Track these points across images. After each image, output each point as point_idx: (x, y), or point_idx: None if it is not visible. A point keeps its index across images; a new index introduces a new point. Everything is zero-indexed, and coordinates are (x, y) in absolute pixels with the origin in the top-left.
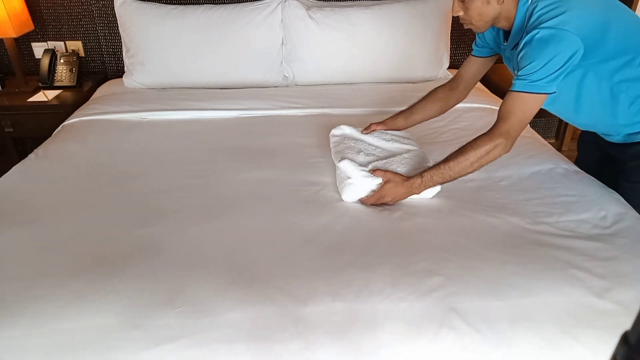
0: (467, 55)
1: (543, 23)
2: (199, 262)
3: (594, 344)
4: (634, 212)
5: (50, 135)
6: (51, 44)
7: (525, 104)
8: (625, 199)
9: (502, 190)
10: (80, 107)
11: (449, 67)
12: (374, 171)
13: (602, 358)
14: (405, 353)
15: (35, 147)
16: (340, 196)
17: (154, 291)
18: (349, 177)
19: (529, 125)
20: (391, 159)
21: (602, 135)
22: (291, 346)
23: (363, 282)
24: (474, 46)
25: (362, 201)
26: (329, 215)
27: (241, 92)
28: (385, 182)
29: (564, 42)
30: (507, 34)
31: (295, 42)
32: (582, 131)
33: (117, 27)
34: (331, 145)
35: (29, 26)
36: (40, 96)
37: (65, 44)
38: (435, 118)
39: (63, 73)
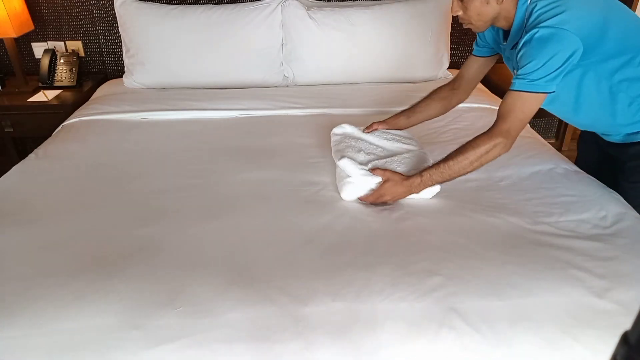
0: (467, 55)
1: (542, 22)
2: (199, 262)
3: (594, 344)
4: (634, 212)
5: (50, 135)
6: (51, 44)
7: (525, 103)
8: (625, 199)
9: (502, 190)
10: (80, 107)
11: (449, 67)
12: (373, 170)
13: (602, 358)
14: (405, 353)
15: (35, 147)
16: (340, 195)
17: (154, 291)
18: (349, 176)
19: (528, 125)
20: (391, 158)
21: (601, 136)
22: (291, 346)
23: (363, 282)
24: (474, 46)
25: (361, 199)
26: (329, 215)
27: (241, 92)
28: (384, 181)
29: (563, 42)
30: (506, 33)
31: (295, 42)
32: (582, 131)
33: (117, 27)
34: (332, 144)
35: (29, 26)
36: (40, 96)
37: (65, 44)
38: (435, 118)
39: (63, 73)
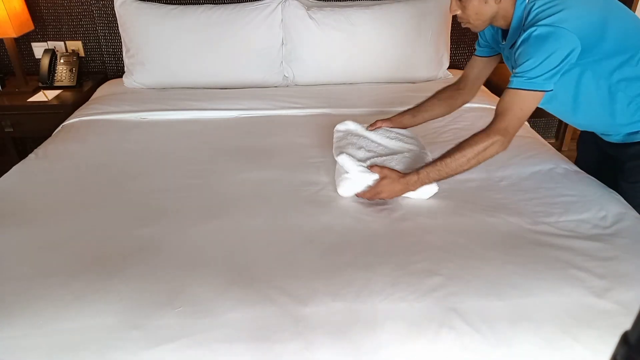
0: (468, 55)
1: (540, 21)
2: (199, 262)
3: (594, 344)
4: (634, 212)
5: (50, 135)
6: (51, 44)
7: (523, 101)
8: (624, 199)
9: (502, 190)
10: (80, 107)
11: (449, 67)
12: (371, 167)
13: (602, 358)
14: (405, 353)
15: (35, 147)
16: (337, 190)
17: (154, 291)
18: (347, 172)
19: (528, 125)
20: (391, 156)
21: (600, 136)
22: (291, 346)
23: (363, 282)
24: (476, 46)
25: (358, 195)
26: (329, 215)
27: (241, 92)
28: (381, 178)
29: (561, 40)
30: (505, 32)
31: (295, 42)
32: (582, 131)
33: (117, 27)
34: (334, 140)
35: (29, 26)
36: (40, 96)
37: (65, 44)
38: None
39: (63, 73)
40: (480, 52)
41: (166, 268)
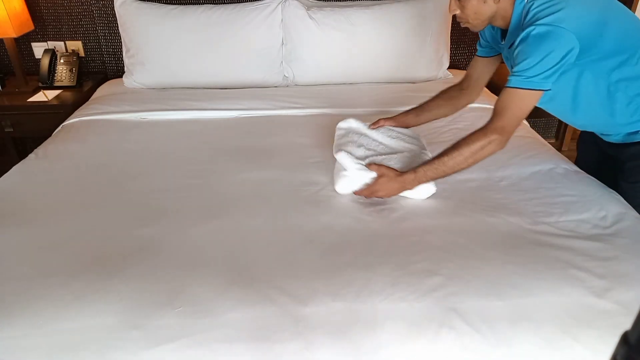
0: (467, 55)
1: (539, 20)
2: (199, 262)
3: (594, 344)
4: (634, 212)
5: (50, 135)
6: (51, 44)
7: (521, 100)
8: (624, 199)
9: (502, 190)
10: (80, 107)
11: (449, 67)
12: (369, 165)
13: (602, 358)
14: (405, 353)
15: (35, 147)
16: (334, 187)
17: (154, 291)
18: (345, 170)
19: (528, 125)
20: (390, 155)
21: (600, 136)
22: (291, 346)
23: (363, 282)
24: (477, 46)
25: (355, 193)
26: (329, 215)
27: (241, 92)
28: (379, 177)
29: (559, 39)
30: (504, 32)
31: (295, 42)
32: (582, 131)
33: (117, 27)
34: (335, 137)
35: (29, 26)
36: (40, 96)
37: (65, 44)
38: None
39: (63, 73)
40: (482, 52)
41: (166, 268)
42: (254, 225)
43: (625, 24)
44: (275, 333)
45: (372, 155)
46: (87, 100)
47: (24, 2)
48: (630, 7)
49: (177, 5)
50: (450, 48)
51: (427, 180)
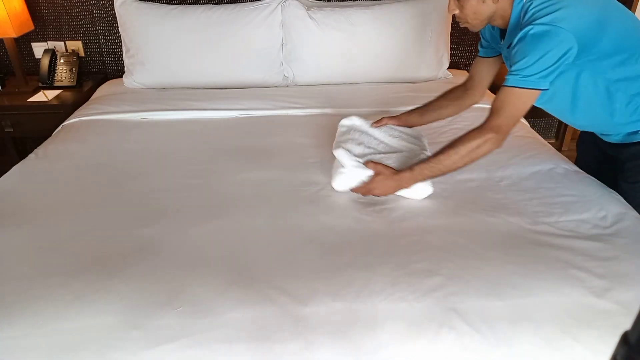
0: (467, 55)
1: (537, 20)
2: (199, 262)
3: (594, 344)
4: (634, 212)
5: (50, 135)
6: (51, 44)
7: (518, 99)
8: (624, 199)
9: (502, 190)
10: (80, 107)
11: (449, 67)
12: (366, 163)
13: (602, 358)
14: (405, 353)
15: (35, 147)
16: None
17: (154, 291)
18: (343, 166)
19: (528, 125)
20: (389, 154)
21: (600, 136)
22: (291, 346)
23: (363, 282)
24: (479, 47)
25: (352, 190)
26: (329, 215)
27: (241, 92)
28: (375, 175)
29: (557, 39)
30: (503, 32)
31: (295, 42)
32: (581, 132)
33: (117, 27)
34: (337, 134)
35: (29, 26)
36: (40, 96)
37: (65, 44)
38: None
39: (63, 73)
40: (483, 52)
41: (166, 268)
42: (254, 225)
43: (625, 24)
44: (275, 333)
45: (370, 154)
46: (87, 100)
47: (24, 2)
48: (630, 7)
49: (177, 5)
50: (450, 48)
51: (423, 179)
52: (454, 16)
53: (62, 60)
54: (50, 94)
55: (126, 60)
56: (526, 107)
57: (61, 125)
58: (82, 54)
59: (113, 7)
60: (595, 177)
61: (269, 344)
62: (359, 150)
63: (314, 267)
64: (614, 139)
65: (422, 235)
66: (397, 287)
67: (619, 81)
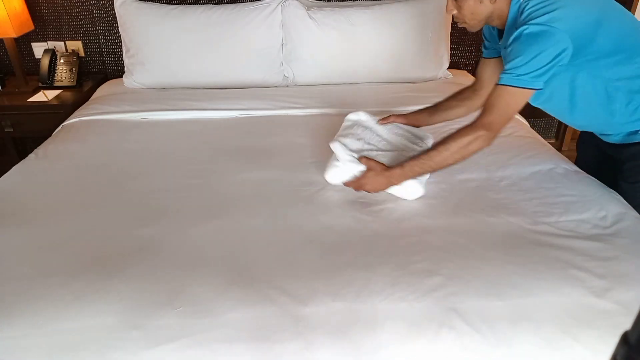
0: (467, 55)
1: (533, 20)
2: (199, 262)
3: (594, 344)
4: (634, 212)
5: (50, 135)
6: (51, 44)
7: (510, 98)
8: (624, 199)
9: (502, 190)
10: (80, 107)
11: (449, 67)
12: (360, 158)
13: (602, 358)
14: (405, 353)
15: (35, 147)
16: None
17: (154, 291)
18: (337, 160)
19: (528, 125)
20: (386, 152)
21: (600, 136)
22: (291, 346)
23: (363, 282)
24: (482, 48)
25: (345, 184)
26: (329, 215)
27: (241, 92)
28: (367, 170)
29: (552, 39)
30: (502, 33)
31: (295, 42)
32: (581, 132)
33: (117, 27)
34: (340, 128)
35: (29, 26)
36: (40, 96)
37: (65, 44)
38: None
39: (63, 73)
40: (487, 53)
41: (166, 268)
42: (254, 225)
43: (623, 24)
44: (275, 333)
45: (368, 150)
46: (87, 100)
47: (24, 2)
48: (630, 7)
49: (177, 5)
50: (450, 48)
51: (413, 175)
52: (453, 16)
53: (62, 60)
54: (50, 94)
55: (126, 60)
56: (518, 106)
57: (61, 125)
58: (82, 54)
59: (113, 7)
60: (595, 177)
61: (269, 344)
62: (357, 145)
63: (314, 267)
64: (613, 139)
65: (422, 235)
66: (397, 287)
67: (619, 81)
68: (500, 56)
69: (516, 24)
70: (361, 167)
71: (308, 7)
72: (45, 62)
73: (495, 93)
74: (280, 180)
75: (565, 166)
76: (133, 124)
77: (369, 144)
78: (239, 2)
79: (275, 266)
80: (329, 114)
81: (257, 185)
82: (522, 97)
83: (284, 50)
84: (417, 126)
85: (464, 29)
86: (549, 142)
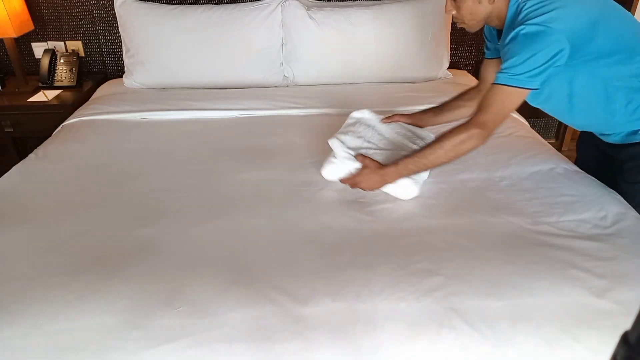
0: (467, 55)
1: (530, 20)
2: (199, 262)
3: (594, 344)
4: (634, 212)
5: (50, 135)
6: (51, 44)
7: (506, 97)
8: (624, 199)
9: (502, 190)
10: (80, 107)
11: (449, 67)
12: (357, 155)
13: (602, 358)
14: (405, 353)
15: (35, 147)
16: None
17: (154, 291)
18: (335, 157)
19: (528, 125)
20: (384, 151)
21: (599, 136)
22: (291, 346)
23: (363, 282)
24: (485, 49)
25: (341, 181)
26: (328, 215)
27: (241, 92)
28: (362, 168)
29: (548, 40)
30: (501, 33)
31: (295, 42)
32: (581, 132)
33: (117, 27)
34: (343, 125)
35: (29, 26)
36: (40, 96)
37: (65, 44)
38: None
39: (63, 73)
40: (489, 54)
41: (166, 268)
42: (254, 225)
43: (623, 24)
44: (275, 333)
45: (367, 148)
46: (87, 100)
47: (24, 2)
48: (630, 8)
49: (177, 5)
50: (450, 48)
51: (408, 174)
52: (452, 16)
53: (62, 60)
54: (50, 94)
55: (126, 60)
56: (513, 106)
57: (61, 125)
58: (82, 54)
59: (113, 7)
60: (595, 177)
61: (269, 344)
62: (356, 143)
63: (314, 267)
64: (613, 139)
65: (422, 235)
66: (397, 287)
67: (618, 81)
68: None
69: (514, 24)
70: (357, 165)
71: (308, 7)
72: (45, 62)
73: (490, 92)
74: (280, 180)
75: (565, 166)
76: (133, 124)
77: (368, 142)
78: (239, 2)
79: (275, 266)
80: (329, 114)
81: (257, 185)
82: (518, 96)
83: (284, 50)
84: (422, 126)
85: (464, 29)
86: (549, 142)
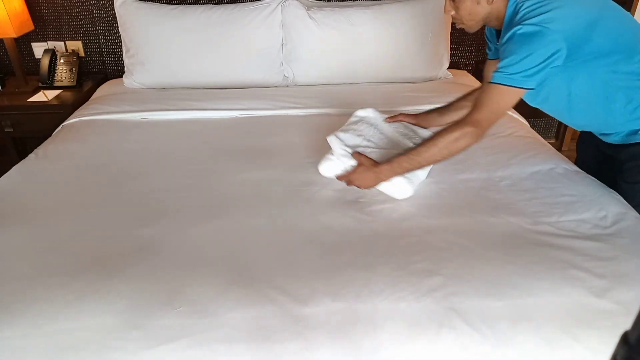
0: (467, 55)
1: (527, 20)
2: (199, 262)
3: (594, 344)
4: (634, 212)
5: (50, 135)
6: (51, 44)
7: (501, 96)
8: (624, 199)
9: (502, 190)
10: (80, 107)
11: (449, 67)
12: (353, 153)
13: (602, 358)
14: (405, 353)
15: (35, 147)
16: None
17: (154, 291)
18: (332, 153)
19: (528, 125)
20: (381, 150)
21: (599, 136)
22: (291, 346)
23: (363, 282)
24: (487, 50)
25: (337, 178)
26: (328, 215)
27: (241, 92)
28: (357, 165)
29: (544, 40)
30: (500, 33)
31: (295, 42)
32: (581, 132)
33: (117, 27)
34: (346, 123)
35: (29, 26)
36: (40, 96)
37: (65, 44)
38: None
39: (63, 73)
40: (491, 55)
41: (166, 268)
42: (254, 225)
43: (622, 23)
44: (275, 333)
45: (365, 146)
46: (87, 100)
47: (24, 2)
48: (630, 8)
49: (177, 5)
50: (450, 48)
51: (402, 171)
52: (452, 16)
53: (62, 60)
54: (50, 94)
55: (126, 60)
56: (508, 105)
57: (61, 125)
58: (82, 54)
59: (113, 7)
60: (595, 177)
61: (269, 344)
62: (355, 141)
63: (314, 267)
64: (613, 139)
65: (422, 235)
66: (397, 287)
67: (618, 81)
68: None
69: (512, 24)
70: (353, 162)
71: (308, 7)
72: (45, 62)
73: (486, 91)
74: (280, 180)
75: (565, 166)
76: (133, 124)
77: (368, 140)
78: (239, 2)
79: (275, 266)
80: (329, 114)
81: (257, 185)
82: (513, 96)
83: (284, 50)
84: (427, 126)
85: (464, 29)
86: (549, 142)
